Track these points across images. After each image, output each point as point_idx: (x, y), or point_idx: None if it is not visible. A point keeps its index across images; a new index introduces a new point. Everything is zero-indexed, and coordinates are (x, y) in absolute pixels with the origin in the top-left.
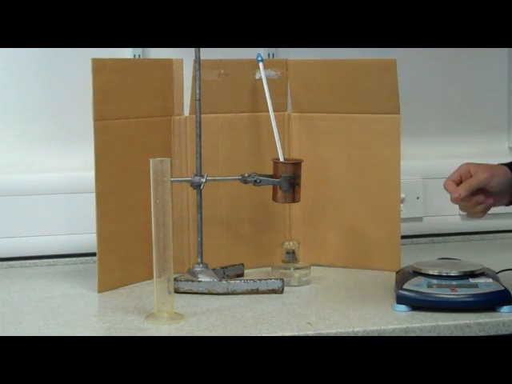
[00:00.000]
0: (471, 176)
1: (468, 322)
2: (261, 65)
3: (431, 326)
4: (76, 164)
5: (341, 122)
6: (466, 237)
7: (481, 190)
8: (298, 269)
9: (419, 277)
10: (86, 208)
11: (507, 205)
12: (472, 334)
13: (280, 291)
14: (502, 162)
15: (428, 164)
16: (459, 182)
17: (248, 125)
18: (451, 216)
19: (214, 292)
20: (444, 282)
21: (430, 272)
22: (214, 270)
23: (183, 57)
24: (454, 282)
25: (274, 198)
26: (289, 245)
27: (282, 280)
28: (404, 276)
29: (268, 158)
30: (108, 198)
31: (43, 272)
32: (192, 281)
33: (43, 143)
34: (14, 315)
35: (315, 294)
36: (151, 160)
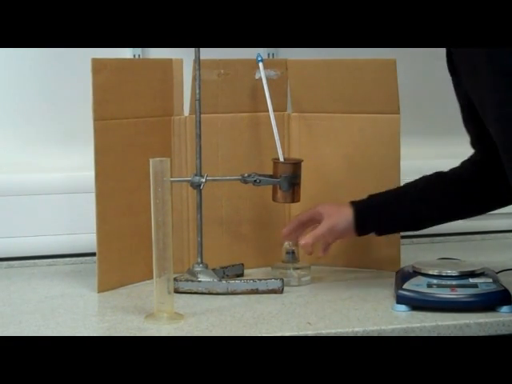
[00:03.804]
0: (320, 216)
1: (468, 321)
2: (261, 65)
3: (431, 326)
4: (76, 164)
5: (340, 121)
6: (466, 237)
7: None
8: (297, 269)
9: (419, 277)
10: (86, 208)
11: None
12: (472, 334)
13: (280, 291)
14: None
15: (428, 164)
16: (307, 222)
17: (248, 125)
18: None
19: (213, 292)
20: (444, 282)
21: (430, 272)
22: (213, 269)
23: (183, 57)
24: (454, 282)
25: (274, 198)
26: (289, 245)
27: (281, 280)
28: (404, 276)
29: (268, 157)
30: (108, 198)
31: (43, 272)
32: (192, 281)
33: (43, 143)
34: (13, 315)
35: (315, 293)
36: (151, 160)
